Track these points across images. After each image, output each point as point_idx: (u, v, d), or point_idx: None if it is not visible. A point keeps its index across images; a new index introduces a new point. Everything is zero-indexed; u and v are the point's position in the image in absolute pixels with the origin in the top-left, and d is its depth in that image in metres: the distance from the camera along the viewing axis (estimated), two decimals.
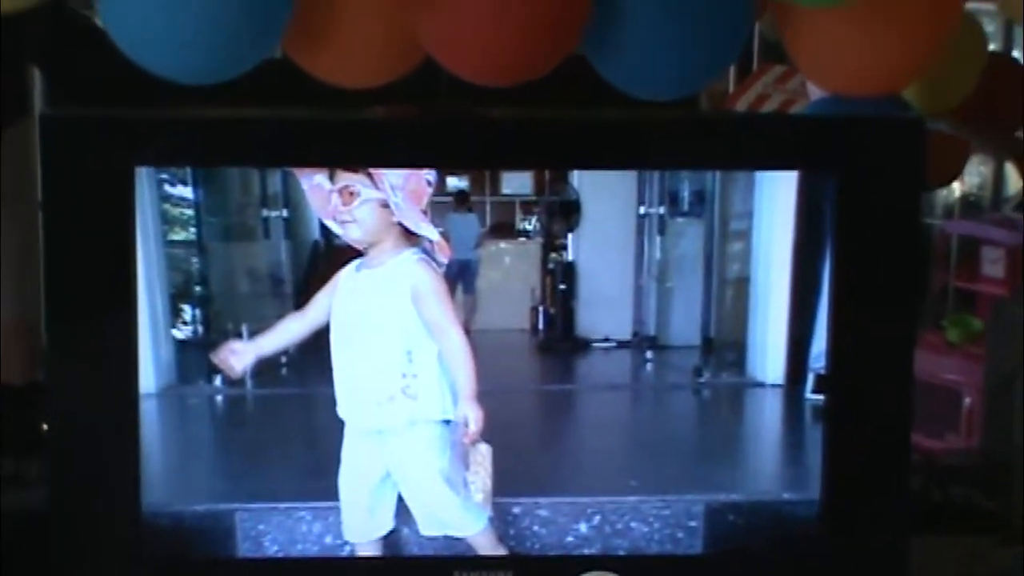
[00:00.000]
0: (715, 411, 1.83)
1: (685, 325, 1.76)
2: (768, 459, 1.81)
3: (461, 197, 1.76)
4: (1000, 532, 1.95)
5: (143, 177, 1.69)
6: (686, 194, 1.80)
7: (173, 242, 1.78)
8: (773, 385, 1.75)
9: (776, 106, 2.26)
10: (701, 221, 1.80)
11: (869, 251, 1.63)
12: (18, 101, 2.42)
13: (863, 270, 1.63)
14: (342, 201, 1.63)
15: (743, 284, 1.75)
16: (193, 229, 1.79)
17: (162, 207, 1.78)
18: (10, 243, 2.25)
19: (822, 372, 1.66)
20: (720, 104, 2.59)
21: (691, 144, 1.73)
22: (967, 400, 3.89)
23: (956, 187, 5.23)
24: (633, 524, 1.67)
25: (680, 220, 1.78)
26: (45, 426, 1.73)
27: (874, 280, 1.62)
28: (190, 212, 1.80)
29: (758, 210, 1.72)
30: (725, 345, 1.78)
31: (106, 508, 1.65)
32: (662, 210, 1.80)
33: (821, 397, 1.67)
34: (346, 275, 1.67)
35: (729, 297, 1.77)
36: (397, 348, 1.65)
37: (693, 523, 1.67)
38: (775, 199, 1.71)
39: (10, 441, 1.95)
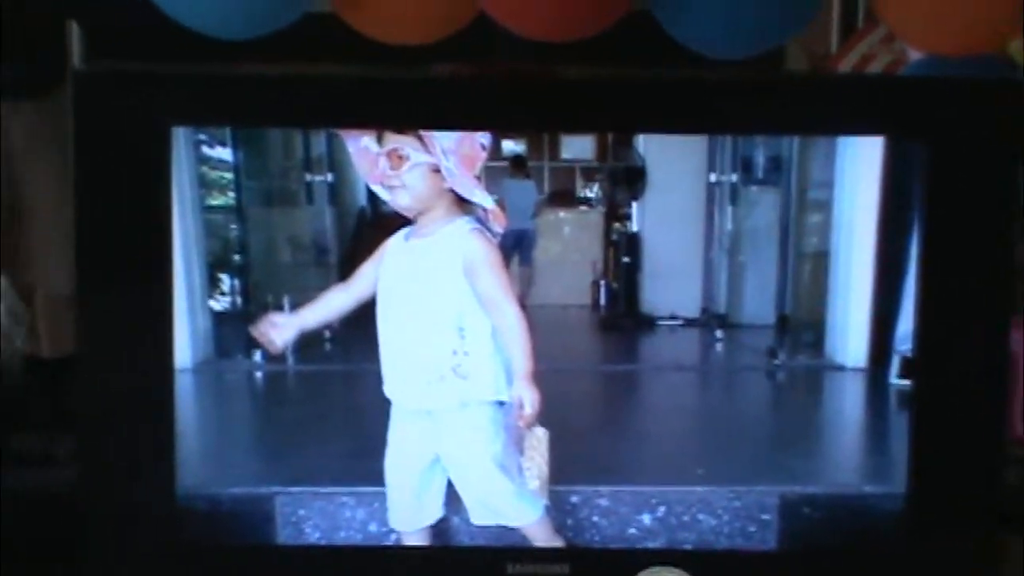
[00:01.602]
0: (791, 396, 1.76)
1: (758, 302, 1.69)
2: (849, 448, 1.73)
3: (517, 162, 1.68)
4: None
5: (180, 138, 1.63)
6: (760, 160, 1.73)
7: (211, 207, 1.73)
8: (854, 368, 1.67)
9: (882, 67, 2.19)
10: (777, 190, 1.72)
11: (962, 224, 1.53)
12: (62, 63, 2.42)
13: (955, 245, 1.54)
14: (390, 165, 1.56)
15: (822, 259, 1.68)
16: (232, 194, 1.74)
17: (200, 170, 1.72)
18: (48, 209, 2.24)
19: (908, 355, 1.58)
20: (822, 65, 2.52)
21: (766, 107, 1.65)
22: None
23: None
24: (701, 516, 1.60)
25: (754, 189, 1.71)
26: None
27: (967, 256, 1.54)
28: (229, 176, 1.75)
29: (839, 179, 1.64)
30: (802, 325, 1.70)
31: (139, 490, 1.60)
32: (734, 178, 1.73)
33: (907, 382, 1.59)
34: (394, 245, 1.60)
35: (807, 272, 1.70)
36: (448, 324, 1.59)
37: (766, 516, 1.59)
38: (858, 167, 1.63)
39: (40, 418, 1.92)
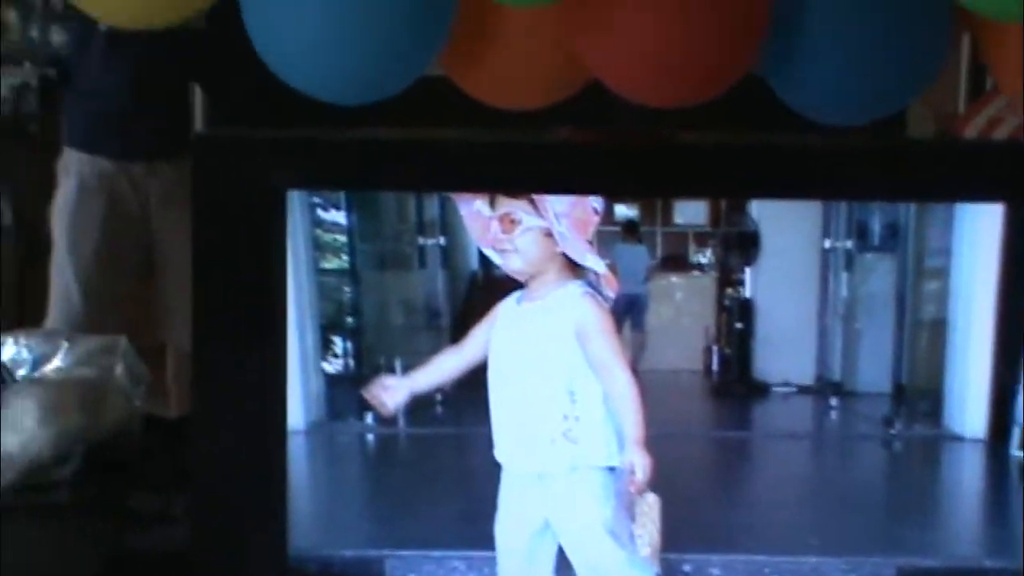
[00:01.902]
0: (907, 465, 1.73)
1: (874, 370, 1.67)
2: (968, 520, 1.69)
3: (630, 227, 1.68)
4: None
5: (295, 201, 1.64)
6: (876, 227, 1.71)
7: (325, 270, 1.75)
8: (973, 439, 1.64)
9: (1010, 131, 2.17)
10: (893, 257, 1.70)
11: None
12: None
13: None
14: (503, 229, 1.57)
15: (939, 327, 1.65)
16: (346, 257, 1.76)
17: (314, 233, 1.74)
18: (180, 268, 2.29)
19: None
20: (948, 125, 2.51)
21: (883, 173, 1.63)
22: None
23: None
24: None
25: (869, 255, 1.69)
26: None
27: None
28: (343, 239, 1.77)
29: (957, 246, 1.61)
30: (919, 393, 1.67)
31: (250, 550, 1.61)
32: (849, 244, 1.71)
33: None
34: (506, 308, 1.61)
35: (924, 340, 1.68)
36: (559, 388, 1.59)
37: None
38: (977, 234, 1.60)
39: (159, 477, 1.94)
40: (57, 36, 3.90)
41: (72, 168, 3.32)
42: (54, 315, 3.51)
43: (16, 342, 1.99)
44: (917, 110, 2.17)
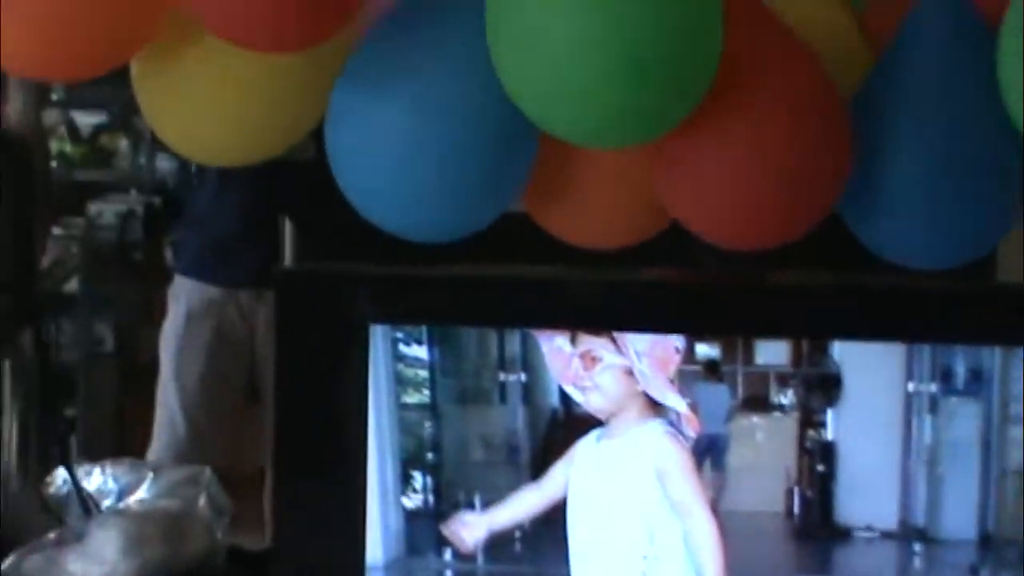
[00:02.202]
0: None
1: (959, 517, 1.65)
2: None
3: (711, 366, 1.70)
4: None
5: (378, 335, 1.71)
6: (961, 371, 1.69)
7: (406, 405, 1.77)
8: None
9: None
10: (978, 401, 1.68)
11: None
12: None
13: None
14: (583, 366, 1.60)
15: None
16: (427, 391, 1.79)
17: (396, 367, 1.78)
18: None
19: None
20: None
21: (966, 316, 1.64)
22: None
23: None
24: None
25: (954, 399, 1.68)
26: None
27: None
28: (424, 373, 1.80)
29: None
30: (1006, 542, 1.64)
31: None
32: (933, 387, 1.70)
33: None
34: (585, 446, 1.63)
35: (1010, 488, 1.66)
36: (638, 527, 1.59)
37: None
38: None
39: None
40: (164, 164, 4.09)
41: (181, 295, 3.44)
42: (158, 441, 3.58)
43: (103, 472, 2.04)
44: (1005, 248, 2.17)
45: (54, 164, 4.12)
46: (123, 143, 4.30)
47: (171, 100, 1.81)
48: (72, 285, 3.97)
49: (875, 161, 1.57)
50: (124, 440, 3.84)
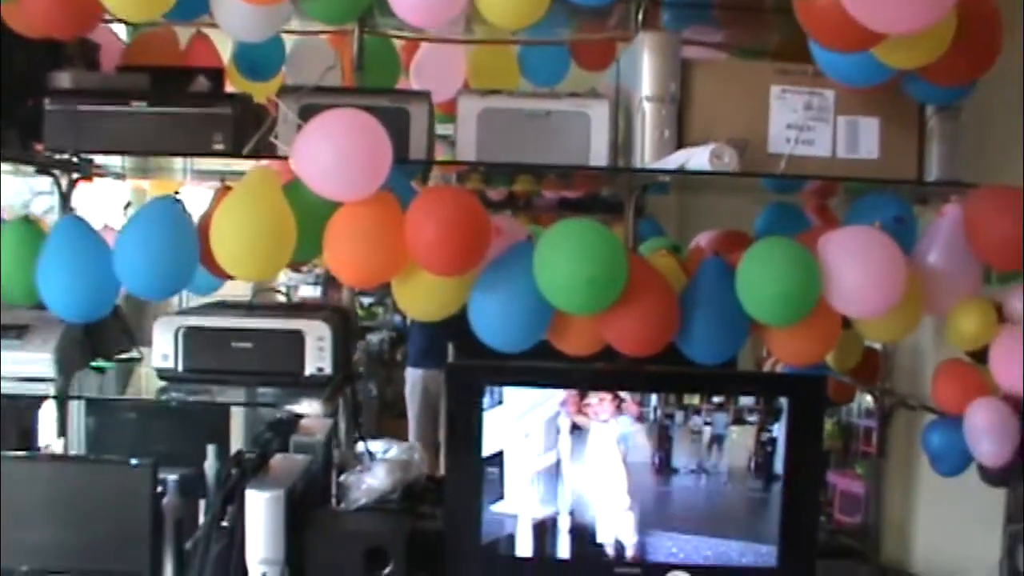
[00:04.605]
0: None
1: None
2: None
3: None
4: None
5: (486, 391, 3.23)
6: None
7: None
8: None
9: None
10: None
11: None
12: None
13: None
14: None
15: None
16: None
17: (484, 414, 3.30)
18: None
19: None
20: None
21: None
22: None
23: None
24: None
25: None
26: None
27: None
28: (491, 416, 3.33)
29: None
30: None
31: None
32: None
33: None
34: None
35: None
36: None
37: None
38: None
39: None
40: (397, 317, 7.78)
41: (409, 374, 6.90)
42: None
43: (376, 443, 3.68)
44: None
45: None
46: (381, 309, 7.23)
47: (406, 292, 3.11)
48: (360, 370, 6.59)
49: None
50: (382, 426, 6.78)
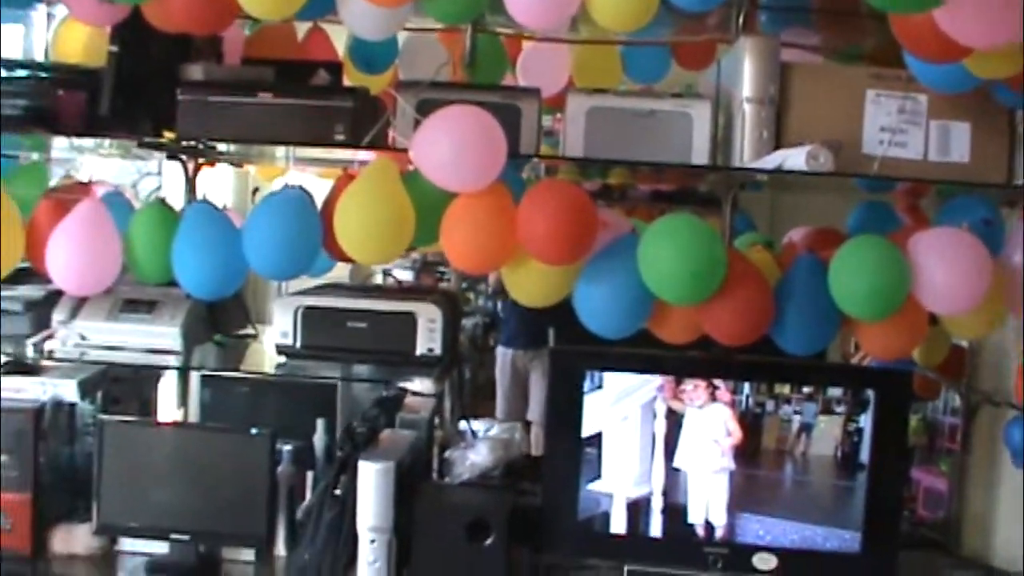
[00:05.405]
0: None
1: None
2: None
3: None
4: None
5: (585, 375, 3.46)
6: None
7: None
8: None
9: None
10: None
11: None
12: None
13: None
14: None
15: None
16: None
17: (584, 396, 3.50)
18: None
19: None
20: None
21: None
22: None
23: None
24: None
25: None
26: None
27: None
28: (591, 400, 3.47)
29: None
30: None
31: None
32: None
33: None
34: None
35: None
36: None
37: None
38: None
39: None
40: (490, 303, 7.75)
41: (499, 353, 7.09)
42: (499, 410, 7.60)
43: (478, 422, 3.94)
44: None
45: None
46: (472, 295, 7.57)
47: (516, 279, 3.23)
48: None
49: None
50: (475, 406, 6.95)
